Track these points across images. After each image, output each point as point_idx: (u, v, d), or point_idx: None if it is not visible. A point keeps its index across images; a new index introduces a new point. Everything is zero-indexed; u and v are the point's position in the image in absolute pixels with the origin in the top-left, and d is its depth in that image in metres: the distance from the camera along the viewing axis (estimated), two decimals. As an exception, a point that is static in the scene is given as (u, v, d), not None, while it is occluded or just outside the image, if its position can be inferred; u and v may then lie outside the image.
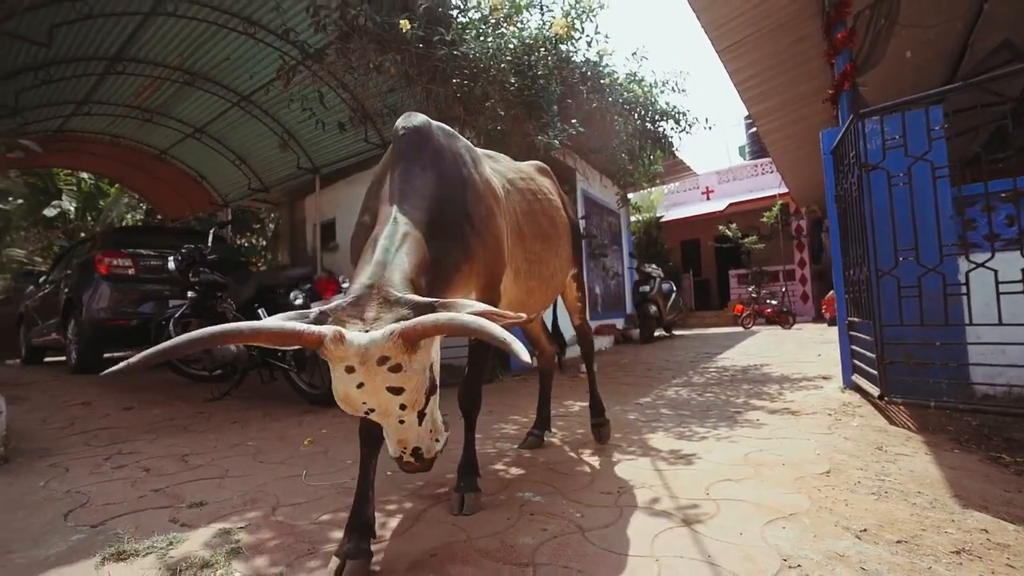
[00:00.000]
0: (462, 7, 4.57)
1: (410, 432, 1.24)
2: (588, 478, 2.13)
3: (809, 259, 14.16)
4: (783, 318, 11.29)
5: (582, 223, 8.54)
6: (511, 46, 4.41)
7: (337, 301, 1.20)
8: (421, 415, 1.24)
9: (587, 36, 5.08)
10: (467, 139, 2.56)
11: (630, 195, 9.21)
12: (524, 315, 1.18)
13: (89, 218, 15.32)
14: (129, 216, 15.49)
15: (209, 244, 4.73)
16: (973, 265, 2.75)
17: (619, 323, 10.02)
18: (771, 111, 6.90)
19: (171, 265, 4.70)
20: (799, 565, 1.34)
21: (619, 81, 5.57)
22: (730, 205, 14.81)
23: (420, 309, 1.15)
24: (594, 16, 4.95)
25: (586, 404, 3.73)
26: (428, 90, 4.54)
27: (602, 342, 8.20)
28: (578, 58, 5.22)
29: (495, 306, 1.81)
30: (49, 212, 14.47)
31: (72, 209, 15.13)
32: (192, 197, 10.90)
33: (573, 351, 6.89)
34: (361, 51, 4.43)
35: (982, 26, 5.24)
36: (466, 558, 1.45)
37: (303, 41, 5.37)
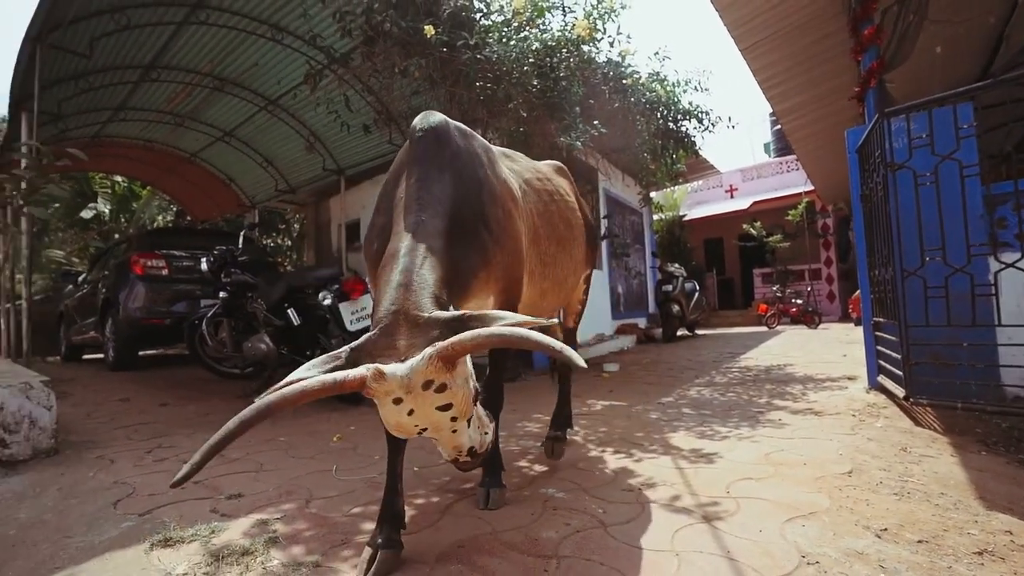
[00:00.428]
0: (485, 11, 4.63)
1: (462, 437, 1.25)
2: (610, 475, 2.17)
3: (836, 258, 13.87)
4: (808, 318, 11.10)
5: (604, 223, 8.55)
6: (534, 48, 4.46)
7: (366, 336, 1.20)
8: (469, 419, 1.26)
9: (609, 37, 5.11)
10: (489, 140, 2.60)
11: (652, 194, 9.18)
12: (554, 319, 1.25)
13: (123, 220, 15.85)
14: (160, 218, 15.98)
15: (240, 246, 4.89)
16: (1003, 265, 2.70)
17: (642, 322, 9.99)
18: (796, 108, 6.81)
19: (204, 266, 4.87)
20: (817, 562, 1.37)
21: (641, 81, 5.57)
22: (754, 203, 14.58)
23: (450, 326, 1.16)
24: (616, 17, 4.97)
25: (608, 403, 3.78)
26: (452, 93, 4.62)
27: (624, 341, 8.20)
28: (600, 59, 5.24)
29: (514, 309, 1.84)
30: (86, 214, 15.02)
31: (107, 211, 15.68)
32: (221, 199, 11.22)
33: (595, 351, 6.93)
34: (386, 55, 4.52)
35: (1018, 19, 5.09)
36: (492, 550, 1.51)
37: (329, 46, 5.51)
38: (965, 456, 2.29)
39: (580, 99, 4.66)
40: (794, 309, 11.61)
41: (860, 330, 4.10)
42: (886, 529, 1.56)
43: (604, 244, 8.69)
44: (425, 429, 1.17)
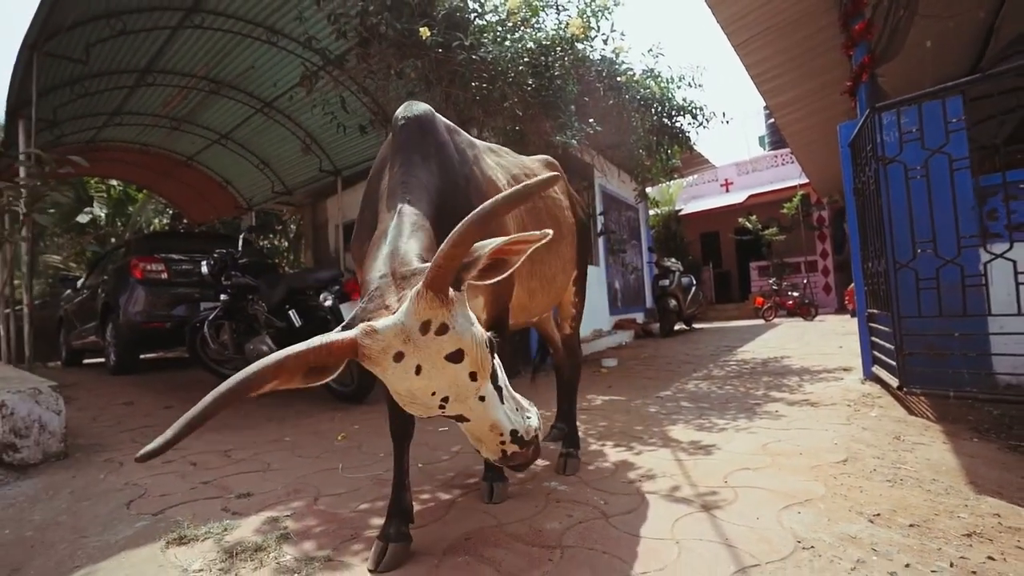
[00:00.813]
0: (480, 11, 4.66)
1: (496, 410, 1.11)
2: (611, 468, 2.22)
3: (831, 250, 13.96)
4: (805, 310, 11.18)
5: (600, 219, 8.59)
6: (528, 48, 4.50)
7: (356, 308, 1.13)
8: (498, 388, 1.14)
9: (603, 34, 5.14)
10: (485, 140, 2.60)
11: (648, 189, 9.23)
12: (549, 231, 1.11)
13: (119, 224, 15.85)
14: (156, 221, 15.98)
15: (239, 248, 4.92)
16: (992, 256, 2.76)
17: (639, 317, 10.05)
18: (789, 103, 6.86)
19: (204, 269, 4.90)
20: (812, 546, 1.42)
21: (635, 78, 5.61)
22: (750, 197, 14.66)
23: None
24: (609, 14, 5.00)
25: (607, 398, 3.83)
26: (448, 93, 4.65)
27: (622, 337, 8.25)
28: (595, 56, 5.28)
29: (506, 311, 1.80)
30: (82, 219, 15.02)
31: (103, 215, 15.69)
32: (217, 201, 11.22)
33: (592, 347, 6.98)
34: (381, 56, 4.55)
35: (1007, 12, 5.15)
36: (498, 541, 1.56)
37: (324, 48, 5.53)
38: (957, 443, 2.34)
39: (575, 97, 4.70)
40: (790, 302, 11.68)
41: (855, 322, 4.16)
42: (879, 514, 1.61)
43: (601, 240, 8.74)
44: (446, 398, 1.04)
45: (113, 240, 14.52)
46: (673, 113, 6.08)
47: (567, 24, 4.76)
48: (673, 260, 10.28)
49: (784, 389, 3.79)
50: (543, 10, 4.83)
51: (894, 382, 3.13)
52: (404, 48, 4.43)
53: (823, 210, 13.85)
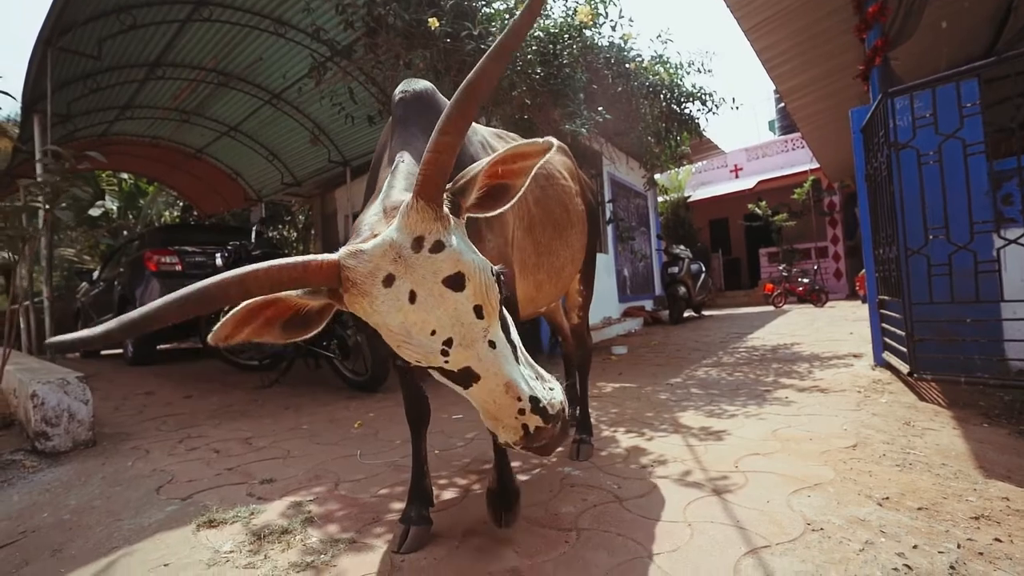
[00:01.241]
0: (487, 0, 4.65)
1: (510, 365, 0.94)
2: (623, 454, 2.27)
3: (843, 235, 13.83)
4: (815, 296, 11.12)
5: (609, 207, 8.58)
6: (536, 36, 4.48)
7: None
8: (511, 342, 0.99)
9: (611, 21, 5.12)
10: (494, 127, 2.60)
11: (657, 176, 9.19)
12: (553, 140, 0.99)
13: (130, 216, 16.04)
14: (167, 213, 16.14)
15: (252, 241, 4.98)
16: (1006, 241, 2.75)
17: (648, 305, 10.06)
18: (801, 87, 6.78)
19: (218, 261, 4.97)
20: (822, 528, 1.46)
21: (644, 65, 5.58)
22: (759, 182, 14.53)
23: None
24: (617, 0, 4.97)
25: (618, 385, 3.87)
26: (456, 83, 4.65)
27: (632, 324, 8.28)
28: (603, 43, 5.25)
29: (510, 301, 1.58)
30: (94, 212, 15.21)
31: (115, 208, 15.87)
32: (227, 193, 11.31)
33: (602, 334, 7.01)
34: (388, 46, 4.56)
35: (1025, -11, 5.04)
36: (513, 526, 1.61)
37: (332, 39, 5.54)
38: (967, 429, 2.36)
39: (583, 85, 4.69)
40: (800, 288, 11.62)
41: (866, 308, 4.16)
42: (888, 498, 1.65)
43: (609, 228, 8.73)
44: (448, 342, 0.88)
45: (125, 233, 14.71)
46: (682, 99, 6.04)
47: (575, 11, 4.73)
48: (682, 247, 10.25)
49: (794, 376, 3.81)
50: (551, -2, 4.81)
51: (905, 368, 3.14)
52: (412, 38, 4.44)
53: (834, 195, 13.70)
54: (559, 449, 2.35)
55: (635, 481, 1.92)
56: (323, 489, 2.03)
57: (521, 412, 0.94)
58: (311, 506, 1.86)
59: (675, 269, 9.28)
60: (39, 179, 3.49)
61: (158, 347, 6.93)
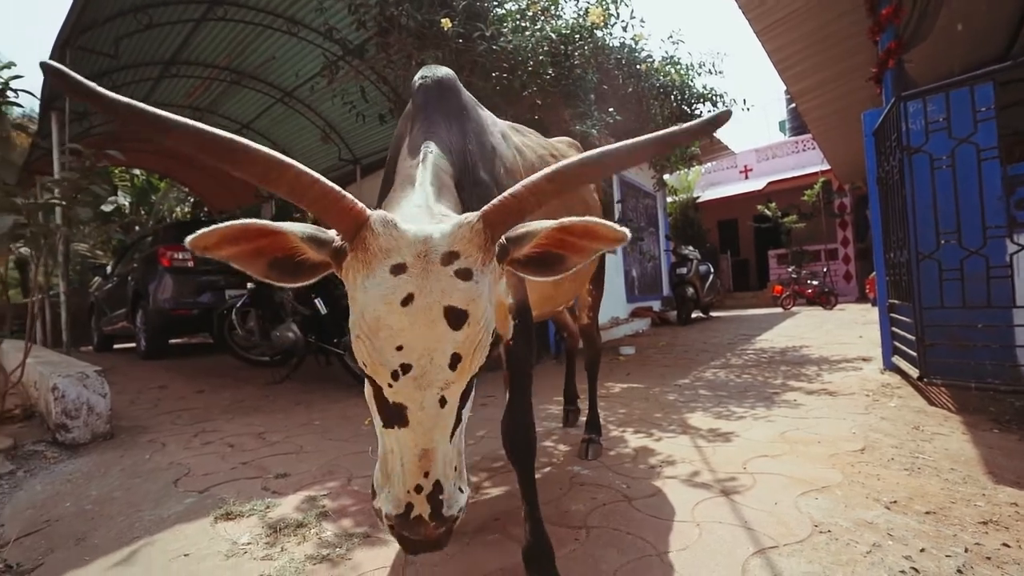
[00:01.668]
0: (499, 0, 4.67)
1: (443, 432, 0.82)
2: (632, 454, 2.29)
3: (853, 237, 13.74)
4: (824, 299, 11.06)
5: (618, 207, 8.58)
6: (548, 37, 4.51)
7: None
8: (459, 413, 0.86)
9: (622, 21, 5.13)
10: None
11: (666, 176, 9.17)
12: (628, 232, 0.87)
13: (142, 212, 16.22)
14: (178, 209, 16.30)
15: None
16: (1020, 247, 2.74)
17: (656, 305, 10.05)
18: (812, 89, 6.74)
19: (231, 258, 5.02)
20: (829, 531, 1.48)
21: (655, 65, 5.58)
22: (769, 184, 14.45)
23: None
24: (629, 1, 4.98)
25: (626, 385, 3.89)
26: (468, 83, 4.67)
27: (639, 324, 8.28)
28: (614, 44, 5.26)
29: (526, 303, 1.50)
30: (107, 208, 15.38)
31: (127, 204, 16.05)
32: (238, 190, 11.41)
33: (610, 334, 7.02)
34: (400, 45, 4.59)
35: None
36: (522, 523, 1.64)
37: (344, 38, 5.58)
38: (977, 434, 2.36)
39: (594, 86, 4.71)
40: (810, 290, 11.56)
41: (876, 311, 4.15)
42: (896, 501, 1.66)
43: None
44: (406, 368, 0.78)
45: (137, 228, 14.87)
46: (693, 101, 6.05)
47: (586, 11, 4.75)
48: (691, 248, 10.22)
49: (802, 378, 3.81)
50: (563, -1, 4.83)
51: (914, 372, 3.13)
52: (424, 38, 4.47)
53: (845, 197, 13.61)
54: (563, 448, 2.39)
55: (644, 481, 1.94)
56: (336, 484, 2.07)
57: (418, 489, 0.81)
58: (325, 501, 1.90)
59: (683, 270, 9.26)
60: (58, 176, 3.57)
61: (170, 342, 7.02)
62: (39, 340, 6.96)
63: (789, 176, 14.57)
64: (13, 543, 1.65)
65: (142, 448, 2.65)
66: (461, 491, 0.87)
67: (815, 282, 11.84)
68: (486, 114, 1.64)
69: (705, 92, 6.08)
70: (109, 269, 8.45)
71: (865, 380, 3.56)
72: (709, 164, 15.03)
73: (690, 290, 9.15)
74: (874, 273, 4.45)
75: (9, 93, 2.88)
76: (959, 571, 1.27)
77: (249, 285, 4.91)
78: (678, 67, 5.90)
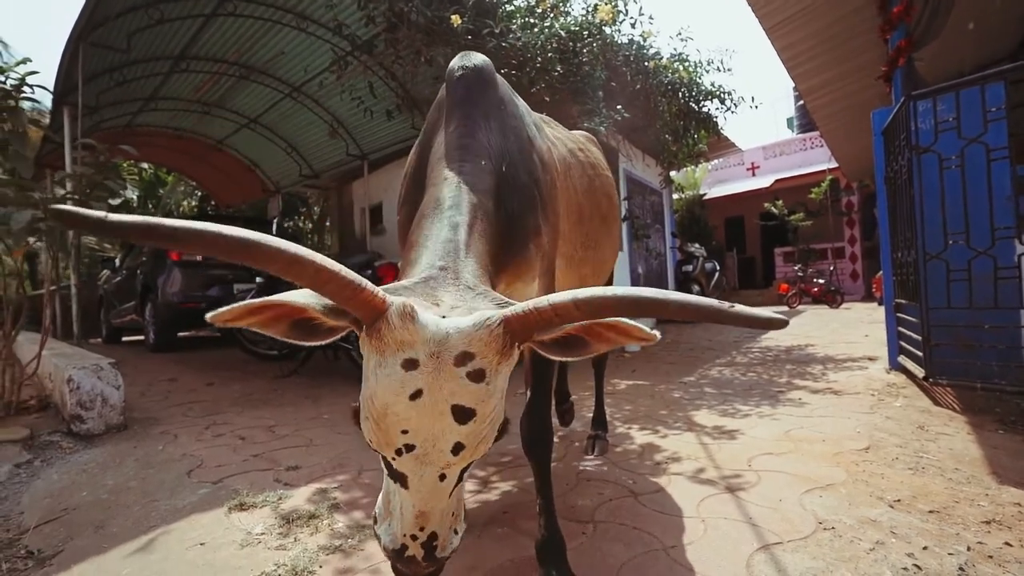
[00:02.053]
0: (508, -3, 4.67)
1: (440, 500, 0.85)
2: (637, 450, 2.31)
3: (860, 236, 13.67)
4: (830, 297, 11.03)
5: (624, 204, 8.58)
6: (557, 34, 4.51)
7: (399, 283, 0.94)
8: (461, 478, 0.89)
9: (631, 18, 5.12)
10: None
11: (672, 173, 9.15)
12: (657, 334, 0.86)
13: (150, 206, 16.33)
14: (185, 203, 16.41)
15: (275, 233, 5.08)
16: (1027, 248, 2.74)
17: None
18: (821, 86, 6.71)
19: (240, 252, 5.06)
20: (833, 528, 1.50)
21: (663, 63, 5.57)
22: (776, 181, 14.40)
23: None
24: (638, -3, 4.97)
25: (631, 382, 3.91)
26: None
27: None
28: (622, 40, 5.25)
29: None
30: (114, 201, 15.47)
31: (135, 198, 16.16)
32: (246, 184, 11.47)
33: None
34: (409, 41, 4.61)
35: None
36: (533, 515, 1.66)
37: (353, 33, 5.60)
38: (982, 434, 2.37)
39: (602, 83, 4.70)
40: (816, 289, 11.53)
41: (882, 310, 4.15)
42: (899, 500, 1.68)
43: (625, 225, 8.73)
44: (412, 446, 0.80)
45: (146, 222, 14.94)
46: (701, 98, 6.03)
47: (595, 8, 4.75)
48: (697, 245, 10.22)
49: (808, 377, 3.82)
50: (572, -5, 4.82)
51: (920, 372, 3.14)
52: (433, 34, 4.48)
53: (852, 195, 13.55)
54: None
55: (650, 477, 1.97)
56: (347, 477, 2.11)
57: (413, 537, 0.85)
58: (336, 493, 1.94)
59: (689, 267, 9.27)
60: (71, 171, 3.62)
61: (178, 335, 7.10)
62: (48, 331, 7.05)
63: (796, 174, 14.52)
64: (33, 530, 1.70)
65: (155, 439, 2.69)
66: (456, 532, 0.92)
67: (821, 280, 11.81)
68: (521, 104, 1.59)
69: (713, 89, 6.06)
70: (118, 262, 8.53)
71: (871, 379, 3.57)
72: (716, 161, 14.96)
73: (696, 288, 9.16)
74: (881, 272, 4.46)
75: (25, 89, 2.91)
76: (961, 569, 1.29)
77: (258, 279, 4.95)
78: (686, 64, 5.88)
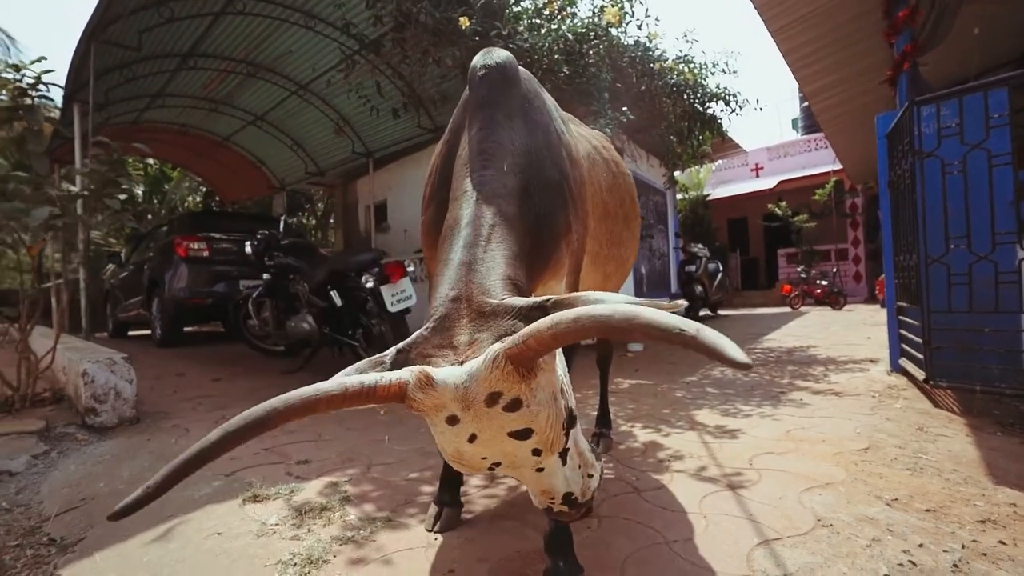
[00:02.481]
0: (516, -1, 4.71)
1: (555, 478, 0.95)
2: (640, 448, 2.36)
3: (864, 238, 13.68)
4: (833, 299, 11.05)
5: (627, 204, 8.62)
6: (564, 35, 4.54)
7: (417, 333, 0.95)
8: (564, 453, 0.96)
9: (637, 20, 5.15)
10: None
11: (676, 173, 9.19)
12: (684, 302, 0.95)
13: (155, 201, 16.41)
14: (190, 199, 16.48)
15: (281, 230, 5.13)
16: (1028, 253, 2.77)
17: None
18: (826, 89, 6.73)
19: (248, 249, 5.13)
20: (831, 525, 1.54)
21: (669, 64, 5.61)
22: (780, 182, 14.40)
23: (527, 315, 0.88)
24: (644, -1, 5.00)
25: (634, 381, 3.96)
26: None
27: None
28: (628, 42, 5.29)
29: None
30: (120, 196, 15.55)
31: (140, 193, 16.23)
32: (251, 181, 11.53)
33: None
34: (416, 41, 4.65)
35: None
36: (538, 509, 1.71)
37: (360, 32, 5.64)
38: (980, 436, 2.41)
39: (608, 84, 4.74)
40: (819, 290, 11.55)
41: (885, 312, 4.19)
42: (897, 499, 1.72)
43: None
44: (498, 463, 0.89)
45: (150, 217, 15.06)
46: (706, 100, 6.06)
47: (602, 10, 4.78)
48: (700, 246, 10.25)
49: (809, 378, 3.86)
50: (579, -3, 4.86)
51: (921, 375, 3.18)
52: (441, 35, 4.52)
53: (856, 197, 13.55)
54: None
55: (652, 474, 2.01)
56: (356, 471, 2.16)
57: (551, 500, 0.99)
58: (347, 486, 1.99)
59: (692, 268, 9.30)
60: (81, 166, 3.67)
61: (185, 329, 7.16)
62: (55, 325, 7.12)
63: (800, 175, 14.53)
64: (54, 518, 1.75)
65: (167, 433, 2.75)
66: (591, 476, 1.03)
67: (824, 282, 11.83)
68: (549, 99, 1.57)
69: (718, 91, 6.09)
70: (124, 257, 8.60)
71: (872, 381, 3.61)
72: (720, 162, 15.00)
73: (699, 288, 9.19)
74: (884, 275, 4.49)
75: (40, 87, 2.97)
76: (955, 566, 1.33)
77: (265, 276, 5.00)
78: (692, 66, 5.91)
